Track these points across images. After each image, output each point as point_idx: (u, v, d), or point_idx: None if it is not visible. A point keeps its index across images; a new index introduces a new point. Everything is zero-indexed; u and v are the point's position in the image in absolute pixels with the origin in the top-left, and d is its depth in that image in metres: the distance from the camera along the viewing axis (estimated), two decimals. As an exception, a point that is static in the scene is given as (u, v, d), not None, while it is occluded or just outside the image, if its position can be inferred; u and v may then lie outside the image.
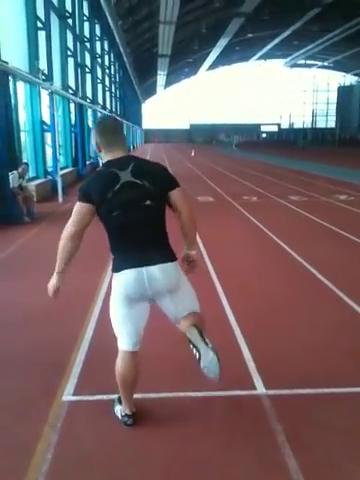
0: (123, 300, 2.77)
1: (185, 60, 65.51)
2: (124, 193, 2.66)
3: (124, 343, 2.87)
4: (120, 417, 3.07)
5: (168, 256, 2.80)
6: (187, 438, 2.91)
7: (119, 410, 3.10)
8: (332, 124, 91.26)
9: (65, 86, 19.86)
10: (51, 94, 14.88)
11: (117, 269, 2.75)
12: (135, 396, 3.19)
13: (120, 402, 3.11)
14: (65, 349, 4.08)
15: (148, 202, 2.69)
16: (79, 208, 2.72)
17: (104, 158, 2.81)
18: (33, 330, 4.55)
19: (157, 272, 2.71)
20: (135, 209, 2.68)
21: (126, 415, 3.04)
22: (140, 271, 2.69)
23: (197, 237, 8.57)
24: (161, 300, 2.83)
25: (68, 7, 20.85)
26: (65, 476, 2.63)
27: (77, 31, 23.20)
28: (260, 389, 3.43)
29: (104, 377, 3.59)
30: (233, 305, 5.04)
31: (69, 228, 2.72)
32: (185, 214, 2.84)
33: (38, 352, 4.08)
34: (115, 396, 3.17)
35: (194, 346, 2.72)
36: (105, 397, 3.34)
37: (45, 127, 15.21)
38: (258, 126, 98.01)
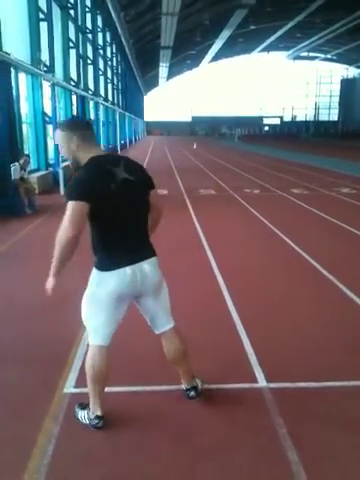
0: (113, 300, 2.71)
1: (187, 52, 65.17)
2: (122, 190, 2.62)
3: (100, 338, 2.82)
4: (88, 421, 2.91)
5: (153, 251, 2.86)
6: (189, 431, 2.91)
7: (85, 415, 2.95)
8: (335, 117, 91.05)
9: (67, 78, 19.78)
10: (53, 86, 14.83)
11: (109, 267, 2.67)
12: (141, 389, 3.21)
13: (83, 407, 2.99)
14: (66, 341, 4.08)
15: (142, 199, 2.77)
16: (78, 207, 2.52)
17: (84, 156, 2.67)
18: (34, 322, 4.55)
19: (147, 268, 2.75)
20: (132, 206, 2.69)
21: (97, 417, 2.89)
22: (133, 268, 2.69)
23: (199, 230, 8.60)
24: (145, 299, 2.86)
25: (70, -2, 20.73)
26: (66, 468, 2.63)
27: (79, 22, 23.09)
28: (262, 382, 3.43)
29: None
30: (235, 299, 5.03)
31: (69, 232, 2.51)
32: (158, 213, 2.97)
33: (39, 344, 4.08)
34: (79, 407, 3.04)
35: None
36: (106, 389, 3.33)
37: (47, 119, 15.16)
38: (260, 119, 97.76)
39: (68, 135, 2.69)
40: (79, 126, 2.76)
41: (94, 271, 2.74)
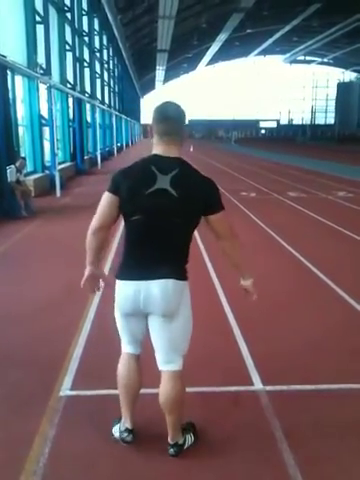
0: (120, 311, 2.57)
1: (184, 55, 65.31)
2: (153, 200, 2.34)
3: (124, 345, 2.73)
4: (118, 433, 2.78)
5: (174, 273, 2.44)
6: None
7: (117, 430, 2.81)
8: (331, 120, 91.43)
9: (63, 80, 19.79)
10: (49, 88, 14.84)
11: (119, 276, 2.51)
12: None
13: (118, 420, 2.84)
14: (63, 344, 4.08)
15: (175, 219, 2.37)
16: (105, 198, 2.43)
17: (153, 149, 2.46)
18: (31, 324, 4.55)
19: (155, 289, 2.40)
20: (158, 221, 2.37)
21: (126, 429, 2.75)
22: (138, 285, 2.42)
23: (195, 232, 8.56)
24: (152, 321, 2.53)
25: (67, 1, 20.75)
26: (62, 470, 2.63)
27: (76, 25, 23.10)
28: (258, 385, 3.43)
29: (102, 372, 3.58)
30: (232, 302, 5.03)
31: (93, 222, 2.47)
32: (226, 244, 2.55)
33: (36, 346, 4.07)
34: (115, 421, 2.88)
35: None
36: (103, 392, 3.33)
37: (43, 121, 15.18)
38: (257, 122, 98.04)
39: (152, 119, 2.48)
40: (157, 116, 2.46)
41: None
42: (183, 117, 2.51)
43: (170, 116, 2.45)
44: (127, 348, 2.72)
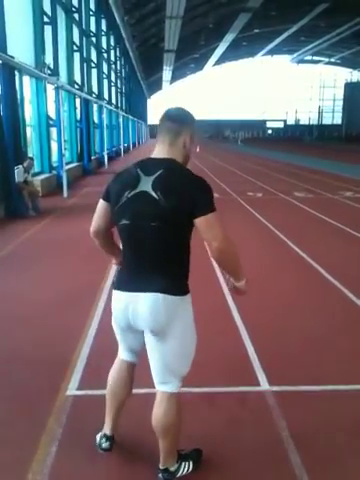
0: (114, 323, 2.48)
1: (191, 55, 65.32)
2: (134, 203, 2.20)
3: (121, 351, 2.66)
4: (98, 439, 2.71)
5: (166, 286, 2.21)
6: (190, 434, 2.91)
7: (98, 435, 2.77)
8: (338, 121, 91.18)
9: (71, 81, 19.84)
10: (57, 89, 14.89)
11: (114, 286, 2.41)
12: (138, 391, 3.19)
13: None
14: (70, 343, 4.10)
15: (158, 223, 2.15)
16: (98, 205, 2.41)
17: None
18: (38, 324, 4.57)
19: (143, 304, 2.21)
20: (142, 226, 2.18)
21: (104, 435, 2.68)
22: (129, 297, 2.28)
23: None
24: (146, 338, 2.34)
25: (74, 1, 20.79)
26: (69, 470, 2.64)
27: (83, 26, 23.14)
28: (264, 385, 3.44)
29: (109, 371, 3.60)
30: (238, 302, 5.03)
31: (91, 227, 2.47)
32: (212, 250, 2.18)
33: (43, 346, 4.09)
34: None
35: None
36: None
37: (51, 122, 15.25)
38: (264, 122, 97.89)
39: None
40: (163, 116, 2.38)
41: None
42: (184, 117, 2.36)
43: (169, 115, 2.36)
44: (123, 355, 2.64)
